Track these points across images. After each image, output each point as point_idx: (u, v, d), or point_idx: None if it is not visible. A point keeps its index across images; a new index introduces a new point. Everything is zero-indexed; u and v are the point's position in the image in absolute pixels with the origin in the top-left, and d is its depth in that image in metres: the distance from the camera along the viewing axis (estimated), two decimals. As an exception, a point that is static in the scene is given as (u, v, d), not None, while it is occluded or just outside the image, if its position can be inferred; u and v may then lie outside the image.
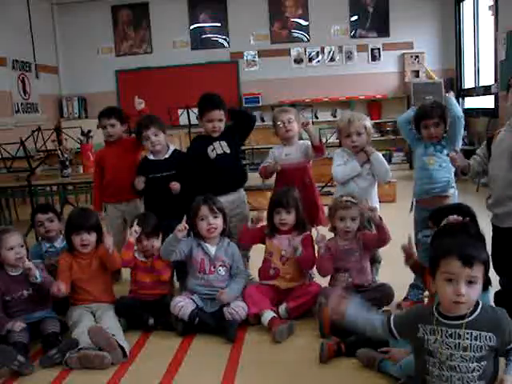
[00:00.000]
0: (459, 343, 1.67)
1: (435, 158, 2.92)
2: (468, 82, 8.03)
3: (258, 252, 3.15)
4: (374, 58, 8.44)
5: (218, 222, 2.87)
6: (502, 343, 1.69)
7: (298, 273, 2.94)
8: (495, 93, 6.67)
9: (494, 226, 2.54)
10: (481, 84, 7.49)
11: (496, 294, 2.42)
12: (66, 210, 4.91)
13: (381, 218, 2.75)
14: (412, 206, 3.04)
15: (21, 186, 5.19)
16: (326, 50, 8.47)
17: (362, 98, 8.30)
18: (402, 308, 2.77)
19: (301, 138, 3.43)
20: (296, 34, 8.47)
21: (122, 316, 2.78)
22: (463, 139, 2.85)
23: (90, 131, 5.02)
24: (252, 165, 7.07)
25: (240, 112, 3.41)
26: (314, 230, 2.94)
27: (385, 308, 2.74)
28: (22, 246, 2.73)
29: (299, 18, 8.42)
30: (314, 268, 3.29)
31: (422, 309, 1.88)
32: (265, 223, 3.02)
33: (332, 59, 8.48)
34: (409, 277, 2.79)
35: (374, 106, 8.39)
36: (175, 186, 3.12)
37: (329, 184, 5.48)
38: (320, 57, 8.49)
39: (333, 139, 6.34)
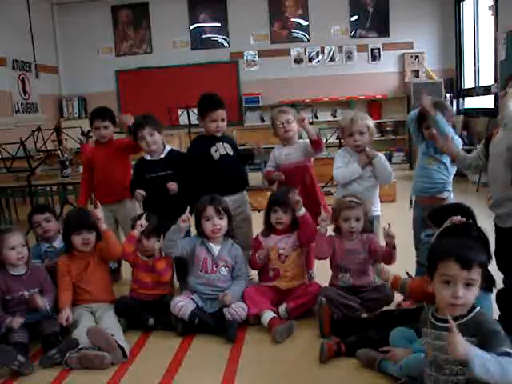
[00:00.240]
0: (442, 346, 1.66)
1: (434, 159, 2.94)
2: (468, 82, 8.03)
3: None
4: (374, 58, 8.44)
5: (223, 223, 2.87)
6: (481, 346, 1.60)
7: (298, 270, 2.94)
8: (495, 93, 6.66)
9: (496, 226, 2.54)
10: (481, 84, 7.48)
11: (498, 292, 2.42)
12: (66, 210, 4.90)
13: (395, 246, 2.70)
14: (411, 202, 3.05)
15: (21, 186, 5.19)
16: (326, 50, 8.46)
17: (362, 98, 8.30)
18: (402, 308, 2.77)
19: (300, 137, 3.42)
20: (296, 34, 8.47)
21: (122, 316, 2.77)
22: (463, 139, 2.87)
23: (89, 131, 4.98)
24: (252, 165, 7.05)
25: (245, 157, 3.45)
26: (323, 213, 2.89)
27: (385, 308, 2.74)
28: (24, 246, 2.73)
29: (299, 18, 8.42)
30: (314, 268, 3.31)
31: (424, 313, 1.88)
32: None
33: (332, 59, 8.48)
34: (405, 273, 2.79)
35: (373, 106, 8.39)
36: (172, 186, 3.11)
37: (329, 184, 5.48)
38: (320, 57, 8.49)
39: (333, 139, 6.35)
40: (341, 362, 2.32)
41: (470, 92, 7.86)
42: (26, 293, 2.70)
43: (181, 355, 2.51)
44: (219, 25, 8.49)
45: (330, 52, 8.47)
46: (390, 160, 7.99)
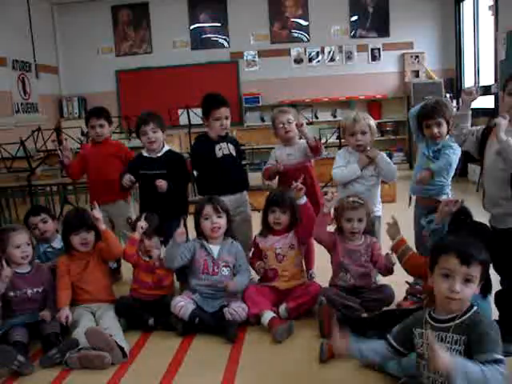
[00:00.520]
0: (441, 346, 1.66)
1: (434, 162, 2.92)
2: (468, 82, 8.02)
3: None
4: (374, 58, 8.44)
5: (222, 222, 2.87)
6: (471, 347, 1.63)
7: (296, 269, 2.94)
8: (495, 93, 6.66)
9: (491, 227, 2.53)
10: (481, 84, 7.48)
11: (497, 293, 2.42)
12: (66, 210, 4.90)
13: (393, 269, 2.72)
14: (410, 200, 3.05)
15: (21, 186, 5.20)
16: (325, 50, 8.46)
17: (362, 97, 8.30)
18: (402, 308, 2.77)
19: (300, 138, 3.42)
20: (296, 34, 8.47)
21: (122, 316, 2.78)
22: (468, 150, 2.88)
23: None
24: (252, 165, 7.06)
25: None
26: (329, 192, 2.90)
27: (385, 308, 2.74)
28: (29, 245, 2.75)
29: (299, 18, 8.42)
30: (314, 268, 3.31)
31: (419, 314, 1.89)
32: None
33: (332, 59, 8.48)
34: (409, 277, 2.79)
35: (374, 106, 8.38)
36: (161, 183, 3.11)
37: (329, 184, 5.47)
38: (320, 57, 8.49)
39: (333, 139, 6.35)
40: (341, 362, 2.31)
41: (470, 92, 7.84)
42: (30, 291, 2.71)
43: (181, 355, 2.51)
44: (219, 25, 8.49)
45: (330, 52, 8.47)
46: (389, 160, 7.99)
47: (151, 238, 2.94)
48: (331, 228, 2.93)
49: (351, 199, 2.80)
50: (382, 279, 2.96)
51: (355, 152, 3.07)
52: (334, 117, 8.26)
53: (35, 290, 2.73)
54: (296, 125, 3.22)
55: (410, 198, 3.08)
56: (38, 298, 2.73)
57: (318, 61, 8.50)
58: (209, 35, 8.53)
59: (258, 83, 8.35)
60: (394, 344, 1.88)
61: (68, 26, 8.49)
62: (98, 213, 2.82)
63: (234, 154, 3.28)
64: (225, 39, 8.53)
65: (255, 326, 2.74)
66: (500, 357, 1.58)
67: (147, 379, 2.31)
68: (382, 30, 8.36)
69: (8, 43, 7.06)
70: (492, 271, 2.23)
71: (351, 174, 3.03)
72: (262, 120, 8.31)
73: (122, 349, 2.45)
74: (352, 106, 8.19)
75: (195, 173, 3.46)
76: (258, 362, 2.39)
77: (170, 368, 2.39)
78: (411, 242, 3.04)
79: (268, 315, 2.68)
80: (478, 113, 7.15)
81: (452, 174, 3.00)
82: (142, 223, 2.90)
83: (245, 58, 8.50)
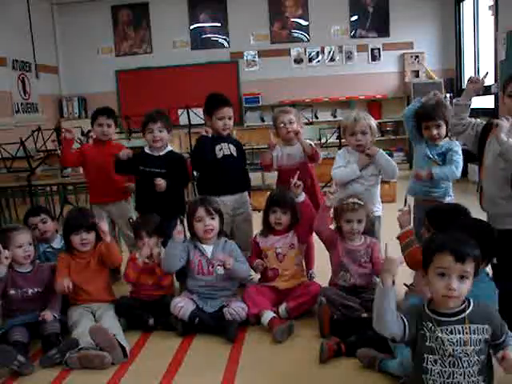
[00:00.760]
0: (460, 338, 1.70)
1: (437, 164, 2.91)
2: (468, 82, 8.01)
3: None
4: (374, 58, 8.44)
5: (215, 223, 2.86)
6: (494, 336, 1.72)
7: (296, 269, 2.94)
8: (495, 93, 6.66)
9: None
10: (481, 84, 7.48)
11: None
12: (66, 210, 4.90)
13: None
14: (406, 200, 3.03)
15: (21, 186, 5.19)
16: (325, 50, 8.46)
17: (362, 97, 8.30)
18: (401, 308, 2.76)
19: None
20: (296, 34, 8.47)
21: (122, 316, 2.78)
22: (465, 143, 2.85)
23: (90, 131, 5.00)
24: (252, 165, 7.05)
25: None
26: (333, 185, 2.91)
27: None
28: (31, 245, 2.75)
29: (299, 18, 8.42)
30: (314, 268, 3.31)
31: (414, 309, 1.88)
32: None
33: (332, 59, 8.48)
34: (409, 277, 2.79)
35: (374, 106, 8.38)
36: (160, 182, 3.12)
37: (329, 184, 5.47)
38: (320, 57, 8.49)
39: (333, 139, 6.35)
40: (341, 362, 2.32)
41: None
42: (30, 291, 2.71)
43: (181, 355, 2.52)
44: (219, 25, 8.48)
45: (330, 52, 8.47)
46: (389, 160, 7.98)
47: (151, 237, 2.95)
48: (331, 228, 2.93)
49: (350, 201, 2.79)
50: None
51: (355, 152, 3.07)
52: (334, 117, 8.26)
53: (36, 289, 2.73)
54: (293, 133, 3.22)
55: (406, 199, 3.05)
56: (39, 298, 2.73)
57: (318, 61, 8.50)
58: (209, 35, 8.53)
59: (258, 83, 8.35)
60: (406, 323, 1.85)
61: (68, 26, 8.48)
62: (104, 225, 2.82)
63: (235, 154, 3.28)
64: (225, 39, 8.53)
65: (255, 326, 2.74)
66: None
67: (147, 379, 2.31)
68: (382, 30, 8.36)
69: (8, 43, 7.05)
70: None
71: (351, 174, 3.02)
72: (262, 120, 8.31)
73: (122, 348, 2.45)
74: (352, 105, 8.19)
75: (195, 173, 3.46)
76: (257, 362, 2.39)
77: (169, 368, 2.40)
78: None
79: (268, 315, 2.68)
80: (478, 113, 7.15)
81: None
82: (150, 242, 2.92)
83: (245, 58, 8.50)
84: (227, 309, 2.72)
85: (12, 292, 2.68)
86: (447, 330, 1.72)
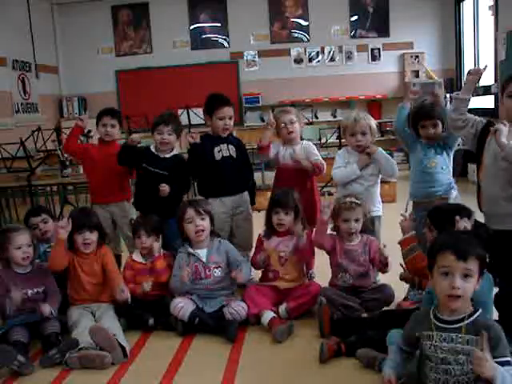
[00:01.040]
0: (452, 347, 1.71)
1: (436, 160, 2.92)
2: (468, 82, 8.01)
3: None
4: (373, 58, 8.44)
5: (205, 224, 2.85)
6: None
7: (297, 273, 2.94)
8: (495, 93, 6.66)
9: None
10: (481, 84, 7.47)
11: (496, 296, 2.41)
12: (66, 210, 4.90)
13: (387, 264, 2.73)
14: (407, 207, 3.02)
15: (21, 186, 5.19)
16: (325, 50, 8.46)
17: (362, 97, 8.30)
18: (402, 308, 2.77)
19: (301, 138, 3.42)
20: (296, 34, 8.47)
21: (122, 316, 2.77)
22: (462, 139, 2.84)
23: (90, 131, 5.00)
24: (252, 165, 7.04)
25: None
26: (324, 199, 2.91)
27: (385, 308, 2.74)
28: (30, 246, 2.74)
29: (299, 18, 8.42)
30: (314, 268, 3.31)
31: (419, 315, 1.90)
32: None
33: (332, 59, 8.48)
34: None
35: (374, 106, 8.38)
36: (164, 188, 3.11)
37: (329, 184, 5.47)
38: (320, 57, 8.49)
39: (333, 139, 6.35)
40: (341, 362, 2.32)
41: (470, 92, 7.84)
42: (30, 291, 2.71)
43: (181, 355, 2.52)
44: (219, 25, 8.49)
45: (330, 52, 8.47)
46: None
47: (150, 236, 2.95)
48: (329, 228, 2.93)
49: (348, 200, 2.79)
50: (382, 279, 2.96)
51: (355, 152, 3.07)
52: (334, 117, 8.26)
53: (35, 290, 2.73)
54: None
55: (407, 204, 3.04)
56: (39, 298, 2.73)
57: (318, 61, 8.50)
58: (209, 35, 8.53)
59: (258, 83, 8.35)
60: (404, 347, 1.90)
61: (68, 26, 8.49)
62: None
63: (235, 155, 3.26)
64: (225, 39, 8.53)
65: (255, 326, 2.74)
66: (509, 359, 1.65)
67: (147, 379, 2.31)
68: (382, 30, 8.37)
69: (8, 43, 7.05)
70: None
71: (351, 174, 3.03)
72: (262, 120, 8.30)
73: (122, 348, 2.45)
74: (352, 105, 8.19)
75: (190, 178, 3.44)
76: (257, 362, 2.39)
77: (169, 368, 2.39)
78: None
79: (268, 315, 2.68)
80: (478, 113, 7.15)
81: (451, 157, 2.96)
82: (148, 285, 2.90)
83: (245, 58, 8.50)
84: (227, 308, 2.72)
85: (12, 292, 2.66)
86: (441, 336, 1.73)
